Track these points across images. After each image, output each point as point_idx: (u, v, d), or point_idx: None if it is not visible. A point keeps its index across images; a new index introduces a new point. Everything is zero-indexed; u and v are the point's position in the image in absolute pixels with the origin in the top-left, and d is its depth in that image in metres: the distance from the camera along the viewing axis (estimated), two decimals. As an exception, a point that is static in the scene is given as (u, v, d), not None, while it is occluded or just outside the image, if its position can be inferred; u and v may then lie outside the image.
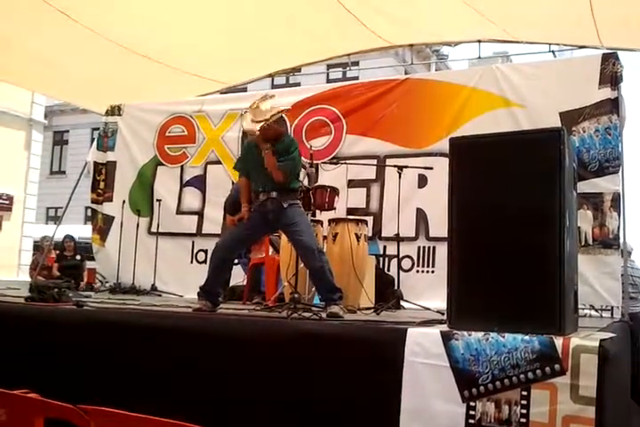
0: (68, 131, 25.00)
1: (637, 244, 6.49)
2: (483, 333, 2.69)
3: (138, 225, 7.06)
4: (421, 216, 5.93)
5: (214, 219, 6.82)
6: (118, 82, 6.76)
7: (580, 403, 2.42)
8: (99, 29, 5.76)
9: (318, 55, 6.68)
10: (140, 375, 3.34)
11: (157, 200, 7.21)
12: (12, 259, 15.06)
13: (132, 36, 5.91)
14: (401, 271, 5.40)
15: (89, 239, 7.94)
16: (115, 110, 7.56)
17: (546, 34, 5.68)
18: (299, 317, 3.57)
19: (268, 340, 3.15)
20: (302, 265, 4.18)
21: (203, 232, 6.98)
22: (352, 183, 6.02)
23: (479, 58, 6.18)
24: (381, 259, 5.93)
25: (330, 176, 5.74)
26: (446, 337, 2.74)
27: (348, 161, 5.73)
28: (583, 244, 5.01)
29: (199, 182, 7.12)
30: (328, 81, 13.04)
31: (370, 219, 5.78)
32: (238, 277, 5.86)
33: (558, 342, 2.53)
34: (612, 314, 4.88)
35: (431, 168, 5.47)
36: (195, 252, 6.98)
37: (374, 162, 6.17)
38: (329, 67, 13.36)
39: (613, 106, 5.12)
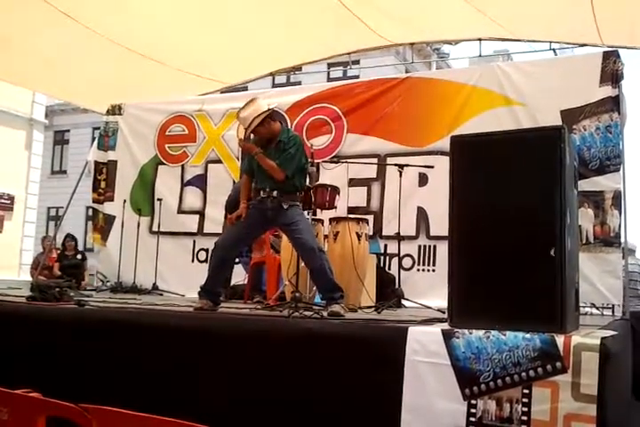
0: (68, 130, 24.94)
1: (638, 242, 6.50)
2: (484, 331, 2.69)
3: (139, 224, 7.07)
4: (422, 215, 5.92)
5: (215, 218, 6.83)
6: (119, 81, 6.76)
7: (582, 401, 2.41)
8: (99, 29, 5.77)
9: (319, 54, 6.68)
10: (142, 374, 3.34)
11: (158, 199, 7.21)
12: (14, 259, 15.06)
13: (132, 36, 5.92)
14: (402, 270, 5.42)
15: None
16: (115, 110, 7.56)
17: (546, 32, 5.67)
18: (300, 316, 3.57)
19: (269, 339, 3.15)
20: (303, 264, 4.18)
21: (204, 231, 6.99)
22: (353, 182, 6.03)
23: (480, 56, 6.19)
24: (382, 258, 5.93)
25: (330, 175, 5.74)
26: (447, 336, 2.74)
27: (348, 160, 5.72)
28: (584, 242, 5.01)
29: (200, 182, 7.13)
30: (329, 80, 13.09)
31: (371, 218, 5.80)
32: (239, 276, 5.87)
33: (559, 340, 2.52)
34: (612, 312, 4.89)
35: (432, 167, 5.47)
36: (196, 251, 6.98)
37: (375, 161, 6.18)
38: (329, 65, 13.41)
39: (614, 104, 5.12)
